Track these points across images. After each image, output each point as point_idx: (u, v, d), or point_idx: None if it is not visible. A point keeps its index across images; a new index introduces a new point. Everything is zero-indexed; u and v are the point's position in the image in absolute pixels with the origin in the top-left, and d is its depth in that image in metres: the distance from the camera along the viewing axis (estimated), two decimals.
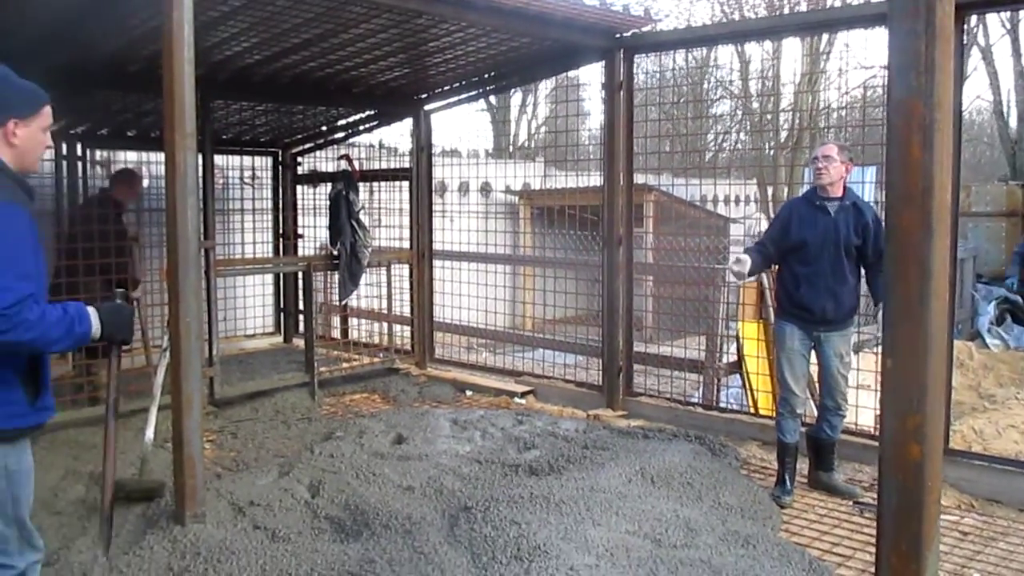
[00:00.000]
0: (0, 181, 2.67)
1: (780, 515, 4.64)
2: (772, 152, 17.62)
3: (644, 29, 6.61)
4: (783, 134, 17.54)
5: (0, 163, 2.72)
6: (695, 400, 6.94)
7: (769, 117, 17.63)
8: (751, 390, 6.96)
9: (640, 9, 6.53)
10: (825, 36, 15.64)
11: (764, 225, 7.70)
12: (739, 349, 7.26)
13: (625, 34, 6.57)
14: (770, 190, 16.20)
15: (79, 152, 8.32)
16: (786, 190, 16.07)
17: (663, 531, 4.08)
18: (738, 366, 7.26)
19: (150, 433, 4.80)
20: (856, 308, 5.05)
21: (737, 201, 16.90)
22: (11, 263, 2.55)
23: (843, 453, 5.30)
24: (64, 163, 8.28)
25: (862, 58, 24.88)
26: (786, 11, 15.43)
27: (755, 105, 19.15)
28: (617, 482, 4.63)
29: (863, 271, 5.01)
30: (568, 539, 3.85)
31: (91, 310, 2.86)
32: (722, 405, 6.90)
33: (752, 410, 6.76)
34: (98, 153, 8.65)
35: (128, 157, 8.86)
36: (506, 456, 5.32)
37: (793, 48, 21.31)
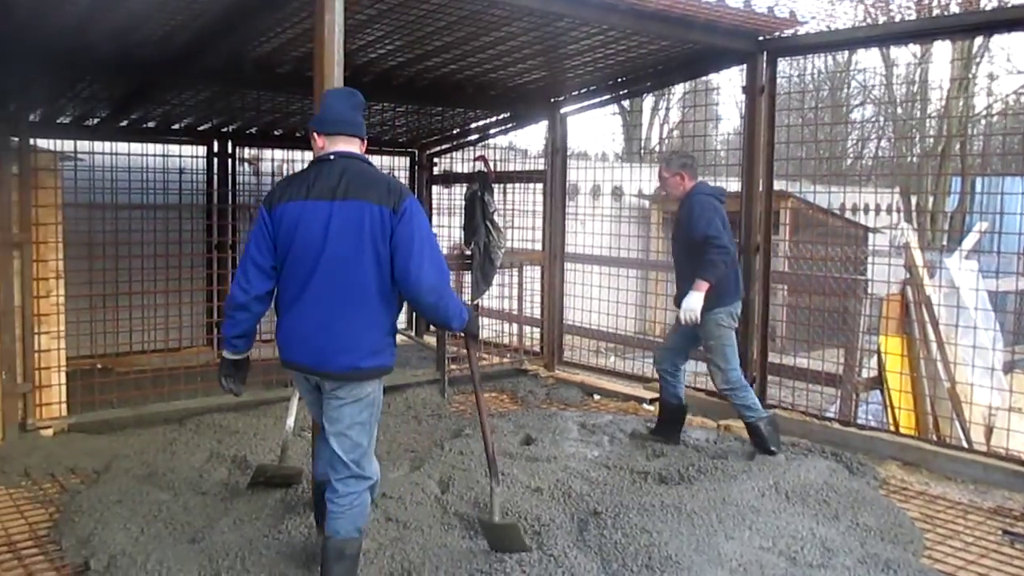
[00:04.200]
0: None
1: (922, 540, 4.43)
2: (917, 160, 16.90)
3: (789, 32, 6.43)
4: (929, 141, 16.79)
5: None
6: (831, 415, 6.70)
7: (914, 123, 16.93)
8: (892, 407, 6.68)
9: (785, 11, 6.33)
10: (979, 39, 14.90)
11: (911, 236, 7.37)
12: (880, 364, 6.98)
13: (769, 37, 6.42)
14: (914, 199, 15.55)
15: (229, 149, 8.72)
16: (931, 200, 15.40)
17: (798, 549, 3.96)
18: (879, 382, 6.98)
19: (291, 422, 4.96)
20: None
21: (878, 210, 16.26)
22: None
23: (991, 479, 5.04)
24: (215, 160, 8.70)
25: (1017, 63, 23.55)
26: (936, 12, 14.73)
27: (899, 111, 18.43)
28: (750, 495, 4.52)
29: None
30: (700, 551, 3.78)
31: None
32: (860, 421, 6.64)
33: (893, 428, 6.48)
34: (246, 151, 9.03)
35: (275, 155, 9.22)
36: (635, 462, 5.27)
37: (944, 51, 20.38)
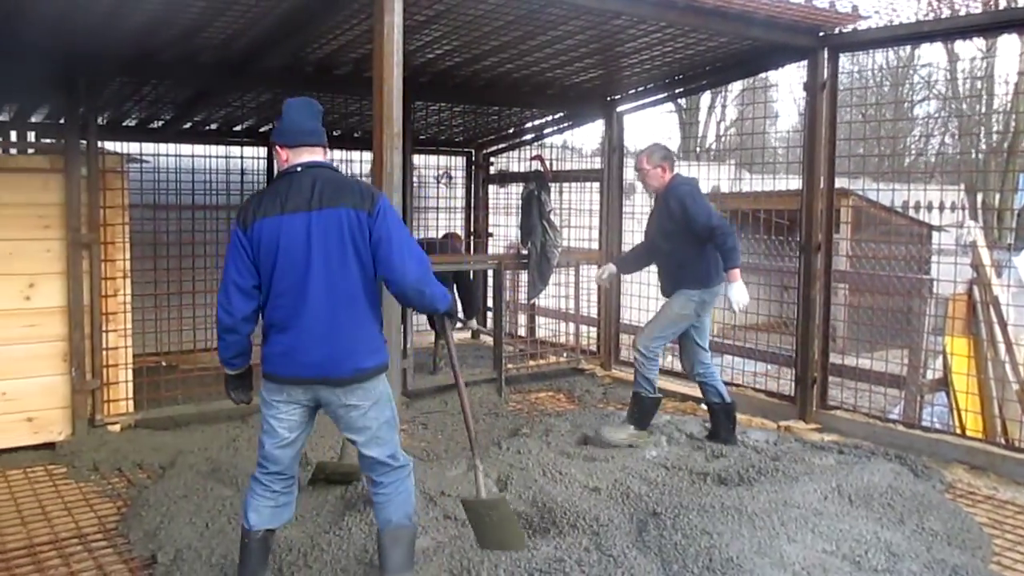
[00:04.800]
0: None
1: (991, 545, 4.33)
2: (982, 156, 16.50)
3: (850, 27, 6.32)
4: (995, 137, 16.38)
5: None
6: (894, 417, 6.58)
7: (980, 119, 16.53)
8: (958, 410, 6.53)
9: (847, 5, 6.22)
10: None
11: (977, 235, 7.20)
12: (946, 366, 6.83)
13: (831, 32, 6.32)
14: (980, 197, 15.18)
15: None
16: (997, 197, 15.02)
17: (863, 553, 3.89)
18: (944, 383, 6.83)
19: None
20: (678, 278, 5.66)
21: (942, 208, 15.88)
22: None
23: None
24: (275, 161, 8.81)
25: None
26: (1003, 5, 14.36)
27: (963, 106, 18.02)
28: (812, 498, 4.45)
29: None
30: (762, 554, 3.73)
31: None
32: (925, 424, 6.50)
33: (959, 431, 6.34)
34: None
35: (334, 156, 9.32)
36: (693, 463, 5.23)
37: (1011, 45, 19.87)
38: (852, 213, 9.98)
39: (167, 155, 7.97)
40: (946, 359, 6.88)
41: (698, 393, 7.12)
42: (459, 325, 8.80)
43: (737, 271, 5.47)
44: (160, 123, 8.16)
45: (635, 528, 4.17)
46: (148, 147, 7.90)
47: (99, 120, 6.32)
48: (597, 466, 5.09)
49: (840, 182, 6.99)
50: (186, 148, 7.98)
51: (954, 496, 5.01)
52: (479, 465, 4.02)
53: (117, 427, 5.99)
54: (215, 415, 6.31)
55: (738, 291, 5.47)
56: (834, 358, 6.85)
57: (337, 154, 9.31)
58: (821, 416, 6.41)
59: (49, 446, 5.73)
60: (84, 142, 5.85)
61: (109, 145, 6.67)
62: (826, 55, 6.38)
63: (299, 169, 3.45)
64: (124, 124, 8.11)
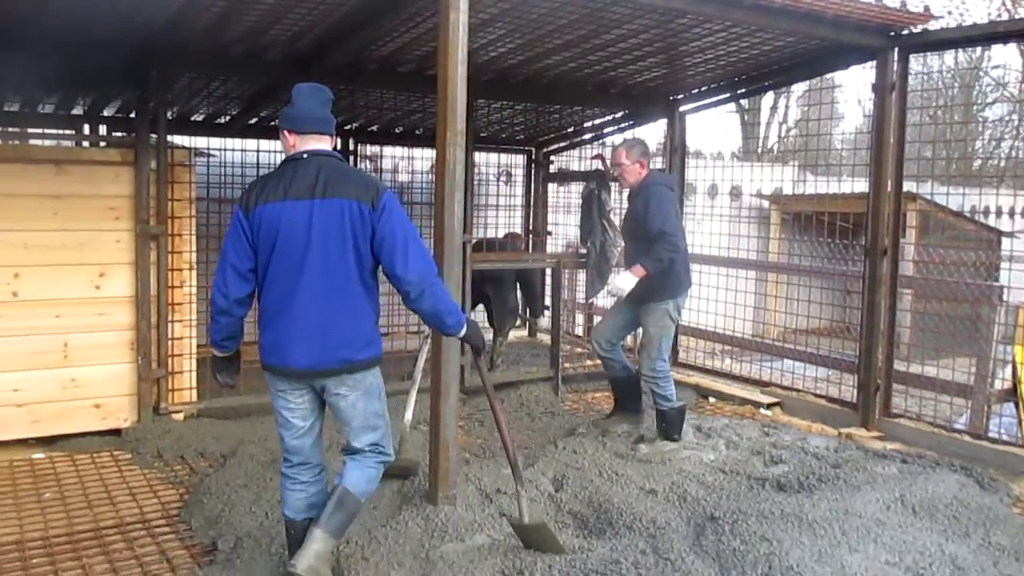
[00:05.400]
0: None
1: None
2: None
3: (921, 27, 6.18)
4: None
5: None
6: (960, 427, 6.42)
7: None
8: None
9: (918, 5, 6.07)
10: None
11: None
12: (1015, 375, 6.65)
13: (901, 32, 6.19)
14: None
15: (351, 147, 8.93)
16: None
17: (926, 566, 3.80)
18: (1013, 394, 6.65)
19: (408, 415, 5.06)
20: (649, 285, 5.51)
21: (1012, 213, 15.46)
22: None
23: None
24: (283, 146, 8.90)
25: None
26: None
27: None
28: (874, 508, 4.37)
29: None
30: (823, 563, 3.67)
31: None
32: (992, 435, 6.33)
33: None
34: (367, 148, 9.23)
35: (395, 152, 9.39)
36: (752, 468, 5.17)
37: None
38: (919, 217, 9.78)
39: (232, 150, 8.09)
40: (1015, 369, 6.70)
41: (757, 397, 7.09)
42: (517, 323, 8.84)
43: (641, 271, 5.40)
44: (226, 118, 8.29)
45: (692, 532, 4.13)
46: (214, 142, 8.03)
47: (168, 115, 6.45)
48: (654, 468, 5.06)
49: (907, 185, 6.85)
50: (251, 143, 8.10)
51: (1022, 510, 4.87)
52: (522, 492, 4.03)
53: (180, 415, 6.11)
54: None
55: (624, 280, 5.48)
56: (898, 365, 6.71)
57: (399, 151, 9.39)
58: (884, 424, 6.29)
59: (115, 432, 5.87)
60: (154, 136, 5.97)
61: (177, 139, 6.80)
62: (896, 55, 6.25)
63: (305, 156, 3.43)
64: (192, 119, 8.26)
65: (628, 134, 9.26)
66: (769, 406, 6.97)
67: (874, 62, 6.39)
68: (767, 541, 3.83)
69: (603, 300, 8.63)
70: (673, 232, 5.39)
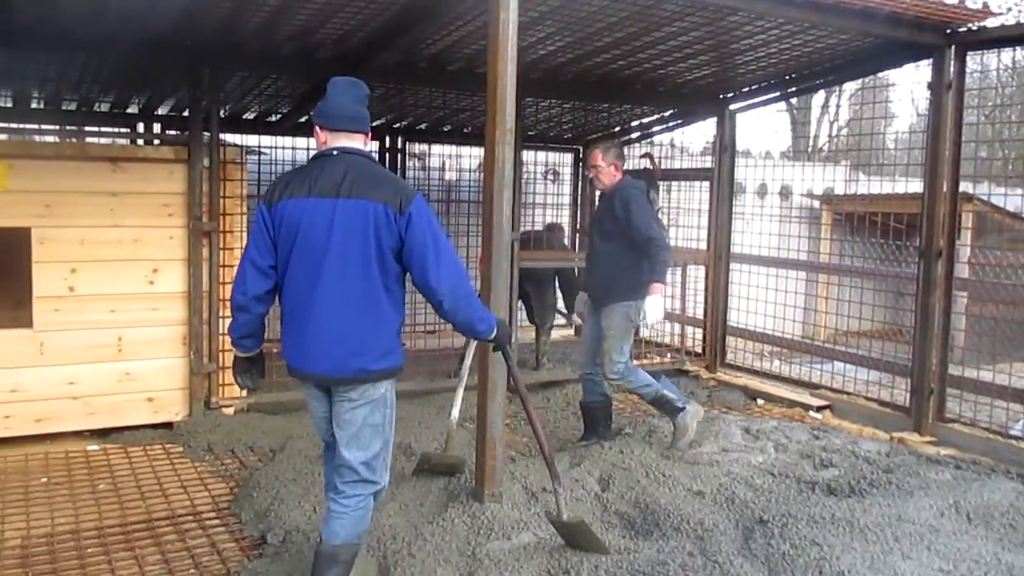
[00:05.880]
0: None
1: None
2: None
3: (978, 24, 6.04)
4: None
5: None
6: (1016, 433, 6.27)
7: None
8: None
9: (977, 1, 5.94)
10: None
11: None
12: None
13: (959, 29, 6.06)
14: None
15: (399, 145, 8.99)
16: None
17: (982, 575, 3.72)
18: None
19: (455, 412, 5.06)
20: (611, 284, 5.49)
21: None
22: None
23: None
24: (387, 155, 8.98)
25: None
26: None
27: None
28: (928, 514, 4.28)
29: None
30: (875, 569, 3.61)
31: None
32: None
33: None
34: (416, 146, 9.27)
35: (443, 151, 9.43)
36: (801, 472, 5.09)
37: None
38: (974, 218, 9.58)
39: (283, 147, 8.19)
40: None
41: (807, 400, 7.00)
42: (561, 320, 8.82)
43: (660, 286, 5.26)
44: (277, 116, 8.39)
45: (741, 535, 4.09)
46: (265, 139, 8.13)
47: (221, 113, 6.54)
48: (701, 469, 5.01)
49: (962, 186, 6.71)
50: (301, 141, 8.19)
51: None
52: (559, 490, 4.01)
53: (231, 410, 6.19)
54: None
55: (653, 305, 5.22)
56: (952, 369, 6.58)
57: (447, 149, 9.42)
58: (937, 429, 6.17)
59: (167, 425, 5.98)
60: (207, 134, 6.06)
61: (229, 137, 6.89)
62: (953, 53, 6.12)
63: (334, 153, 3.33)
64: (243, 117, 8.37)
65: (677, 133, 9.21)
66: (819, 409, 6.88)
67: (930, 60, 6.27)
68: (818, 546, 3.77)
69: None
70: (659, 235, 5.36)
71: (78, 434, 5.82)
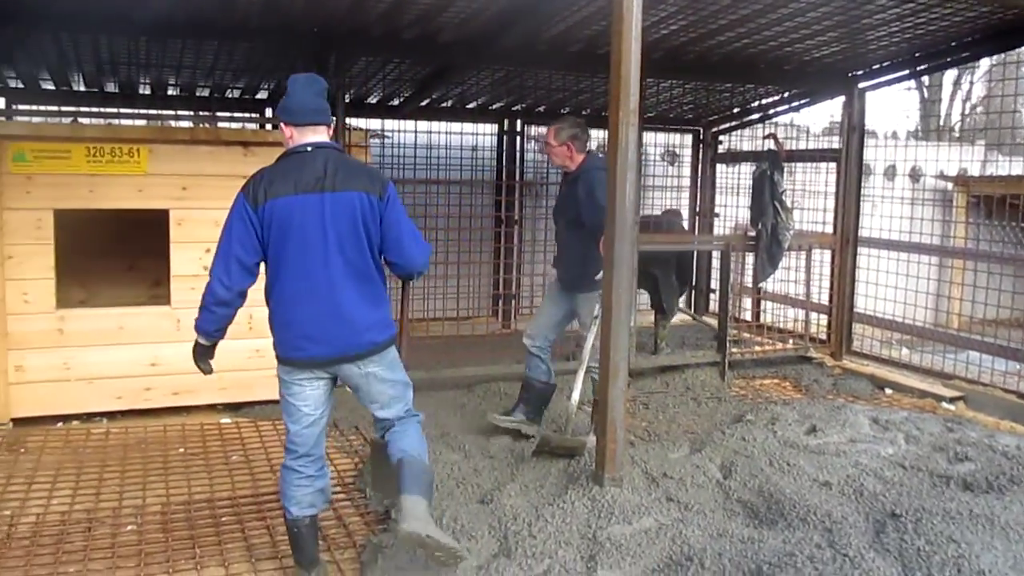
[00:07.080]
0: None
1: None
2: None
3: None
4: None
5: None
6: None
7: None
8: None
9: None
10: None
11: None
12: None
13: None
14: None
15: (518, 128, 9.00)
16: None
17: None
18: None
19: (576, 395, 5.06)
20: (582, 273, 5.28)
21: None
22: None
23: None
24: (505, 138, 9.01)
25: None
26: None
27: None
28: None
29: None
30: (1018, 570, 3.43)
31: None
32: None
33: None
34: (533, 129, 9.27)
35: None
36: (934, 465, 4.88)
37: None
38: None
39: (404, 131, 8.32)
40: None
41: (939, 391, 6.72)
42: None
43: None
44: (399, 100, 8.52)
45: (871, 528, 3.95)
46: (389, 123, 8.26)
47: (346, 97, 6.68)
48: (827, 460, 4.87)
49: None
50: (423, 124, 8.31)
51: None
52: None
53: None
54: (443, 382, 6.57)
55: None
56: None
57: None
58: None
59: None
60: (333, 118, 6.18)
61: (353, 121, 7.03)
62: None
63: (309, 149, 3.47)
64: (367, 101, 8.53)
65: (802, 112, 8.94)
66: (952, 400, 6.59)
67: None
68: (955, 543, 3.61)
69: (771, 285, 8.40)
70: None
71: (211, 407, 6.09)
